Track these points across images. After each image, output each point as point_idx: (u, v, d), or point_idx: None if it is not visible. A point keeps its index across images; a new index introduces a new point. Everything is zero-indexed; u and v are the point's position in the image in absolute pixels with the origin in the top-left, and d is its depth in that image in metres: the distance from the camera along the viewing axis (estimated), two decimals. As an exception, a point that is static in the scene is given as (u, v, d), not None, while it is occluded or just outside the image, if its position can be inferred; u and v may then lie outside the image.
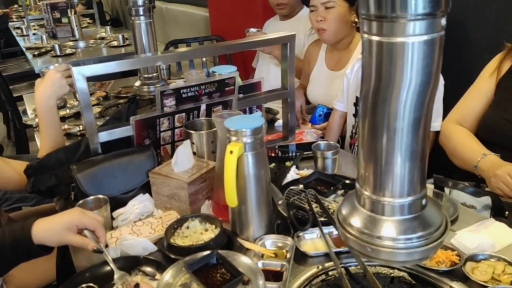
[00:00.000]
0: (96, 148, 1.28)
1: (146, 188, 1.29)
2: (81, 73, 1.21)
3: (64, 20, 4.29)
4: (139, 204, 1.25)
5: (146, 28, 2.03)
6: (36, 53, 3.60)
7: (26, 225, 0.98)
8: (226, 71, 1.51)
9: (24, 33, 4.58)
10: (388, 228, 0.69)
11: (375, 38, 0.60)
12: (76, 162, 1.25)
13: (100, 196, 1.20)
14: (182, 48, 2.95)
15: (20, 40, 4.37)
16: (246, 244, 1.07)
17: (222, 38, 3.32)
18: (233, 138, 1.03)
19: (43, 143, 1.46)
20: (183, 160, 1.25)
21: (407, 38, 0.58)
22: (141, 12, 1.98)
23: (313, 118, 2.04)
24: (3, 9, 6.27)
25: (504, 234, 1.04)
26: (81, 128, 1.88)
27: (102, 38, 4.07)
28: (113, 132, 1.30)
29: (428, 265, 0.97)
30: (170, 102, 1.33)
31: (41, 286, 1.49)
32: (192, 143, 1.33)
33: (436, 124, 1.65)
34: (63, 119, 2.01)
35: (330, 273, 1.00)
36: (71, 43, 3.87)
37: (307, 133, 1.70)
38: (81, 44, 3.88)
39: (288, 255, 1.03)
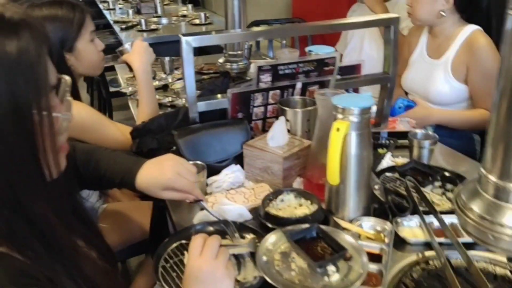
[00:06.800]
0: (195, 117, 1.32)
1: (238, 159, 1.32)
2: (189, 43, 1.25)
3: (148, -4, 4.46)
4: (232, 173, 1.28)
5: (239, 4, 2.04)
6: (123, 26, 3.76)
7: (133, 170, 1.02)
8: (324, 51, 1.49)
9: (111, 7, 4.79)
10: (512, 217, 0.65)
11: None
12: (177, 128, 1.30)
13: (199, 162, 1.24)
14: (276, 26, 2.98)
15: (106, 14, 4.56)
16: (343, 224, 1.05)
17: (303, 21, 3.29)
18: (340, 116, 1.02)
19: (142, 110, 1.53)
20: (279, 136, 1.25)
21: None
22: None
23: (393, 110, 1.93)
24: None
25: None
26: (170, 99, 1.95)
27: (184, 16, 4.16)
28: (210, 103, 1.34)
29: (541, 266, 0.91)
30: (266, 78, 1.34)
31: (134, 240, 1.59)
32: (287, 120, 1.33)
33: None
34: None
35: (430, 262, 0.97)
36: (154, 19, 3.99)
37: (400, 122, 1.64)
38: (164, 20, 3.98)
39: (387, 240, 1.01)
